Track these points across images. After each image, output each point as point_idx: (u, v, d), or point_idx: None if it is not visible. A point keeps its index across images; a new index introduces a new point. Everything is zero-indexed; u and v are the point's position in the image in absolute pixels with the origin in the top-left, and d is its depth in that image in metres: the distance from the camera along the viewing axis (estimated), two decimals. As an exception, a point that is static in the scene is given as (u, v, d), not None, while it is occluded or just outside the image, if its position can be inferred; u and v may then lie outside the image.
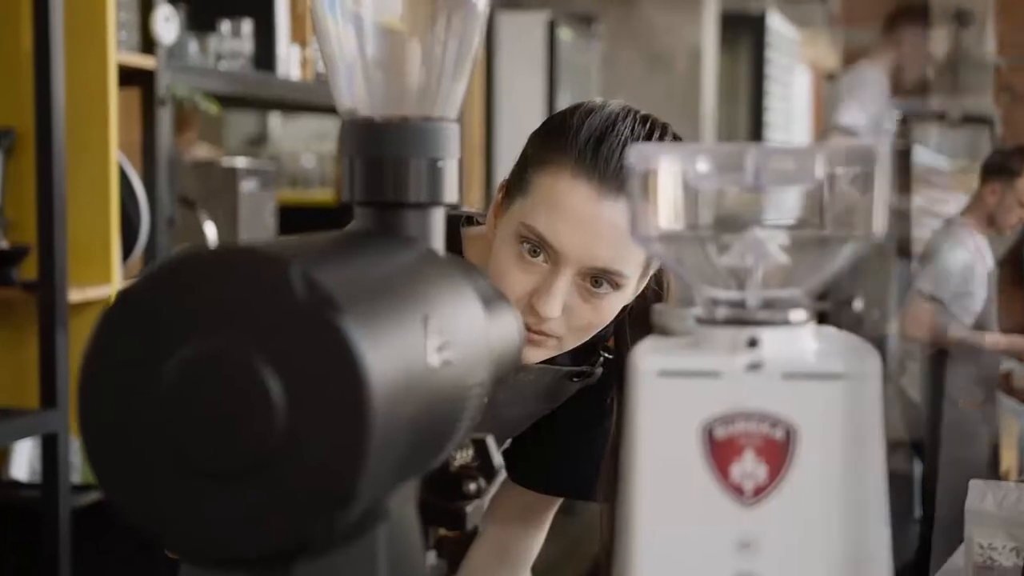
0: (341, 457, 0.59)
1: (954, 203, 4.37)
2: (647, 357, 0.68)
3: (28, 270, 2.36)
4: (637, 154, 0.69)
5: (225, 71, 2.96)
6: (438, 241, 0.80)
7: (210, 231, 2.89)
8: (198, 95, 2.71)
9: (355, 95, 0.81)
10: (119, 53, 2.51)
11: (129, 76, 2.60)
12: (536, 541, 1.56)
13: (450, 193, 0.80)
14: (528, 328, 1.25)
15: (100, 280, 2.48)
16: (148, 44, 2.63)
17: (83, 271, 2.46)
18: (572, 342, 1.30)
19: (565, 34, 4.67)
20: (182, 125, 3.45)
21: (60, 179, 2.34)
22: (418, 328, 0.67)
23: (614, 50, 5.27)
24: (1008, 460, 4.91)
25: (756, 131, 7.54)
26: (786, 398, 0.66)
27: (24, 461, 2.55)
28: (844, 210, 0.69)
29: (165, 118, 2.66)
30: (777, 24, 7.62)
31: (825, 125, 4.41)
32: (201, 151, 3.68)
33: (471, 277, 0.81)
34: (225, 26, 2.98)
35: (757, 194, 0.70)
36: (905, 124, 4.58)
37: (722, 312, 0.70)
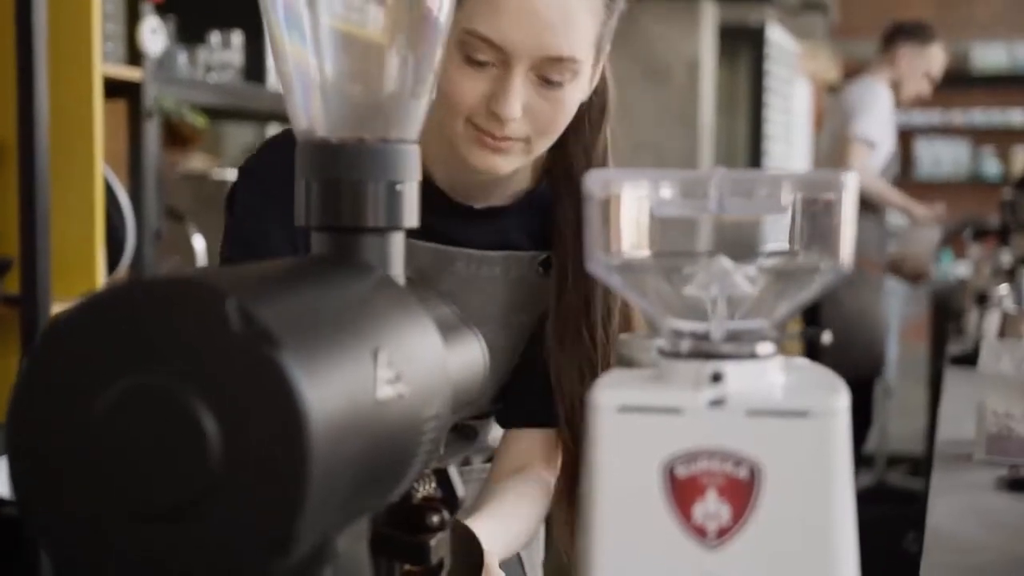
0: (278, 498, 0.56)
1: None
2: (606, 392, 0.66)
3: (11, 283, 2.33)
4: (596, 180, 0.67)
5: (214, 83, 2.93)
6: (397, 267, 0.77)
7: (198, 244, 2.86)
8: (185, 108, 2.68)
9: (311, 115, 0.78)
10: (105, 65, 2.49)
11: (116, 88, 2.57)
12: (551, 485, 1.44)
13: (410, 217, 0.78)
14: (492, 136, 1.23)
15: (84, 294, 2.45)
16: (135, 56, 2.61)
17: (67, 285, 2.43)
18: (541, 145, 1.26)
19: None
20: (182, 139, 3.43)
21: (44, 191, 2.31)
22: (367, 361, 0.64)
23: (612, 62, 5.22)
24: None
25: (755, 143, 7.51)
26: (750, 436, 0.64)
27: (5, 477, 2.52)
28: (811, 239, 0.66)
29: (152, 131, 2.64)
30: (777, 36, 7.59)
31: (830, 135, 4.40)
32: (198, 162, 3.66)
33: (430, 304, 0.78)
34: (215, 37, 2.96)
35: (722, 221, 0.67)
36: None
37: (686, 344, 0.67)
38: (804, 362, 0.71)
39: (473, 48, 1.20)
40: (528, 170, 1.38)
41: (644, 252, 0.68)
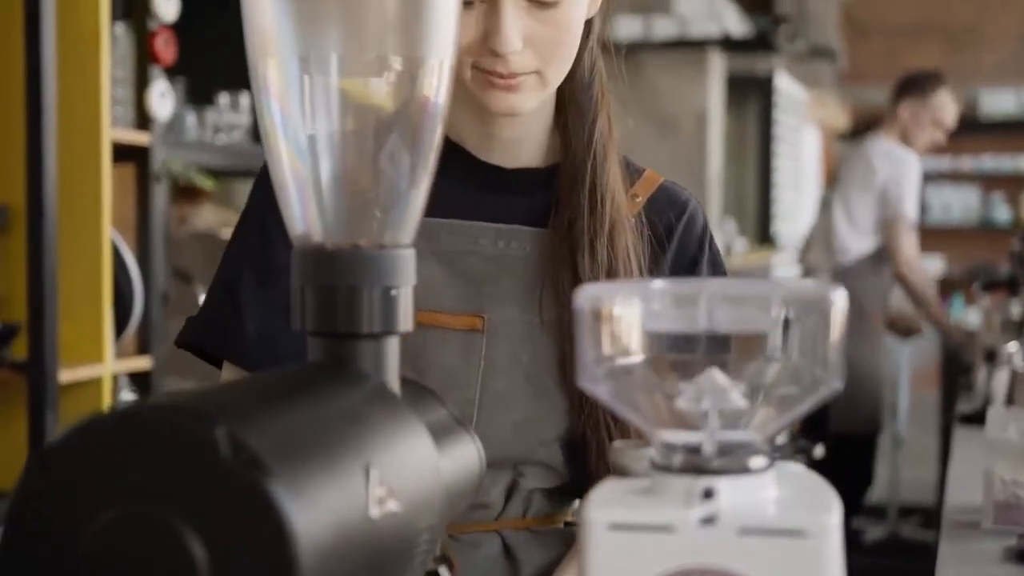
0: (268, 627, 0.56)
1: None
2: (598, 508, 0.65)
3: (18, 349, 2.34)
4: (585, 295, 0.67)
5: (222, 144, 2.95)
6: (392, 371, 0.78)
7: (206, 305, 2.87)
8: (193, 170, 2.70)
9: (307, 221, 0.78)
10: (114, 129, 2.50)
11: (125, 152, 2.59)
12: None
13: (405, 322, 0.78)
14: (500, 75, 1.15)
15: (92, 359, 2.46)
16: (144, 120, 2.63)
17: (75, 350, 2.44)
18: (554, 74, 1.18)
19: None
20: (191, 193, 3.45)
21: (51, 257, 2.32)
22: (359, 479, 0.64)
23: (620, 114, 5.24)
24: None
25: (764, 191, 7.53)
26: (743, 555, 0.63)
27: None
28: (803, 353, 0.66)
29: (160, 194, 2.65)
30: (785, 84, 7.62)
31: (839, 193, 4.41)
32: (209, 214, 3.68)
33: (423, 408, 0.79)
34: (223, 99, 2.98)
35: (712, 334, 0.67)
36: None
37: (677, 459, 0.67)
38: (798, 470, 0.71)
39: None
40: (554, 131, 1.28)
41: (635, 365, 0.68)
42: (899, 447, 5.55)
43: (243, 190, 4.83)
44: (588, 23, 1.24)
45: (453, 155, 1.25)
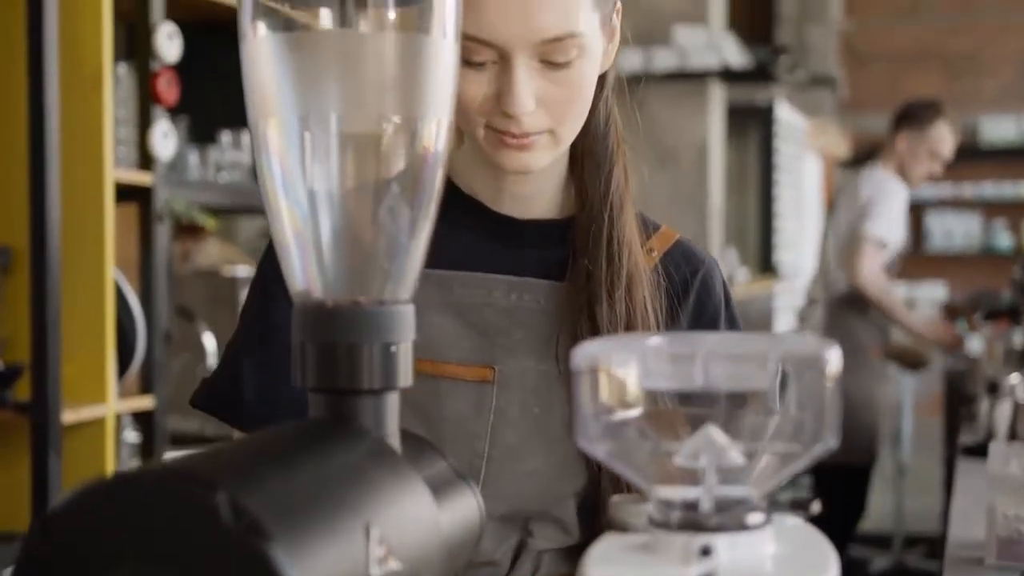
0: None
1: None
2: (597, 565, 0.66)
3: (22, 390, 2.35)
4: (582, 354, 0.67)
5: (225, 183, 2.97)
6: (392, 426, 0.78)
7: (209, 343, 2.88)
8: (195, 209, 2.71)
9: (308, 277, 0.79)
10: (117, 170, 2.52)
11: (127, 191, 2.60)
12: None
13: (405, 377, 0.79)
14: (512, 135, 1.14)
15: (95, 399, 2.46)
16: (146, 160, 2.64)
17: (78, 391, 2.44)
18: (568, 131, 1.17)
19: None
20: (194, 229, 3.46)
21: (55, 298, 2.33)
22: (359, 539, 0.65)
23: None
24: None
25: (766, 220, 7.54)
26: (740, 612, 0.64)
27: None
28: (799, 409, 0.66)
29: (162, 233, 2.66)
30: (785, 114, 7.65)
31: (846, 224, 4.41)
32: (213, 249, 3.69)
33: (423, 462, 0.79)
34: (226, 137, 3.00)
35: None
36: None
37: (675, 516, 0.67)
38: (795, 523, 0.72)
39: (467, 51, 1.11)
40: (568, 183, 1.28)
41: (631, 422, 0.68)
42: (903, 476, 5.54)
43: (246, 227, 4.85)
44: (603, 74, 1.23)
45: (467, 207, 1.26)
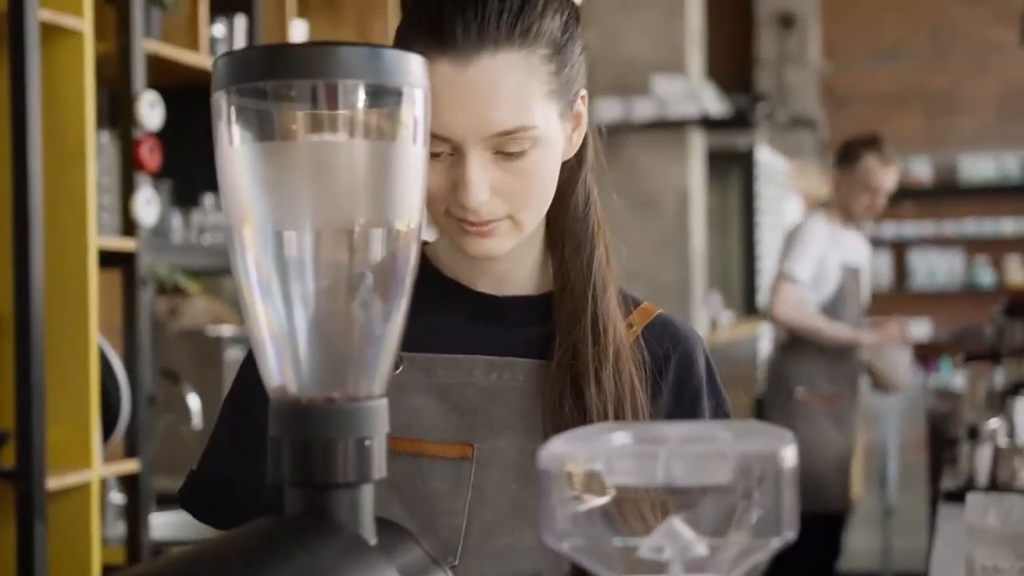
0: None
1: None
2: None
3: (6, 457, 2.36)
4: (548, 454, 0.70)
5: (208, 245, 2.99)
6: (367, 517, 0.80)
7: (193, 403, 2.89)
8: (179, 274, 2.73)
9: (283, 374, 0.82)
10: (100, 237, 2.54)
11: (111, 257, 2.63)
12: None
13: (379, 469, 0.81)
14: (470, 223, 1.16)
15: (80, 465, 2.48)
16: (130, 225, 2.67)
17: (62, 457, 2.46)
18: (528, 218, 1.18)
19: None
20: (180, 288, 3.48)
21: (39, 365, 2.35)
22: (334, 638, 0.67)
23: (601, 195, 5.31)
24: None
25: (748, 262, 7.59)
26: None
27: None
28: (759, 505, 0.69)
29: (146, 298, 2.69)
30: (766, 157, 7.71)
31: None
32: (200, 305, 3.71)
33: (399, 550, 0.81)
34: (208, 200, 3.03)
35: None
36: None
37: (642, 608, 0.70)
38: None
39: None
40: (547, 260, 1.29)
41: (597, 518, 0.71)
42: (889, 516, 5.56)
43: (230, 285, 4.87)
44: (581, 156, 1.25)
45: (449, 289, 1.28)
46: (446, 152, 1.14)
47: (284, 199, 0.80)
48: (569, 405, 1.22)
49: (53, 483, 2.39)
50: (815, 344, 4.29)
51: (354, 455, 0.79)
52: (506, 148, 1.14)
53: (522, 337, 1.26)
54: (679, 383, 1.29)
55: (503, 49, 1.13)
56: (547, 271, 1.29)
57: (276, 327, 0.81)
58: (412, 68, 0.80)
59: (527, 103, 1.14)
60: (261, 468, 1.08)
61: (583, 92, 1.24)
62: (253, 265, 0.81)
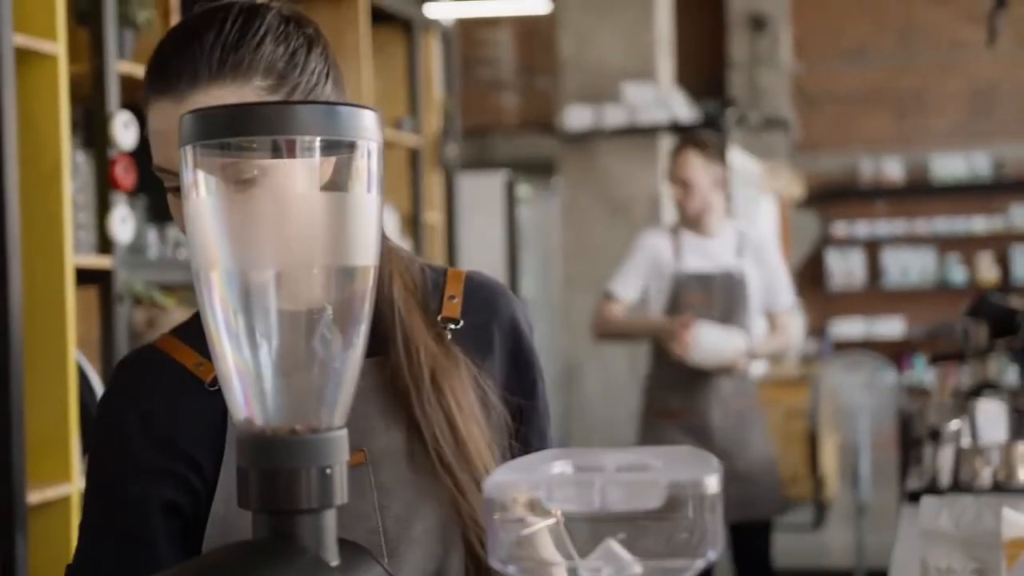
0: None
1: None
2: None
3: (-13, 473, 2.40)
4: (492, 484, 0.76)
5: (184, 259, 3.04)
6: (330, 540, 0.86)
7: (171, 416, 2.94)
8: (155, 290, 2.78)
9: (249, 407, 0.87)
10: (77, 255, 2.59)
11: (87, 275, 2.67)
12: None
13: (341, 495, 0.87)
14: None
15: (59, 479, 2.52)
16: (105, 243, 2.71)
17: (41, 471, 2.50)
18: None
19: (524, 190, 4.80)
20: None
21: (18, 383, 2.40)
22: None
23: (574, 200, 5.41)
24: None
25: (722, 264, 7.65)
26: None
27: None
28: (684, 530, 0.75)
29: (123, 314, 2.73)
30: (739, 160, 7.78)
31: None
32: (176, 316, 3.75)
33: (359, 569, 0.87)
34: (183, 215, 3.08)
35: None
36: None
37: (580, 623, 0.76)
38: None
39: (167, 182, 1.22)
40: None
41: (538, 542, 0.77)
42: (862, 513, 5.64)
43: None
44: None
45: None
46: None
47: (247, 244, 0.86)
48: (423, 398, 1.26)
49: (33, 497, 2.43)
50: (662, 365, 4.19)
51: (317, 483, 0.85)
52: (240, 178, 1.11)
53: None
54: (508, 340, 1.35)
55: (215, 84, 1.19)
56: None
57: (242, 364, 0.87)
58: (365, 123, 0.86)
59: None
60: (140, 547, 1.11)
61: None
62: (219, 306, 0.87)
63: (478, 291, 1.35)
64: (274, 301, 0.86)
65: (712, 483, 0.74)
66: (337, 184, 0.86)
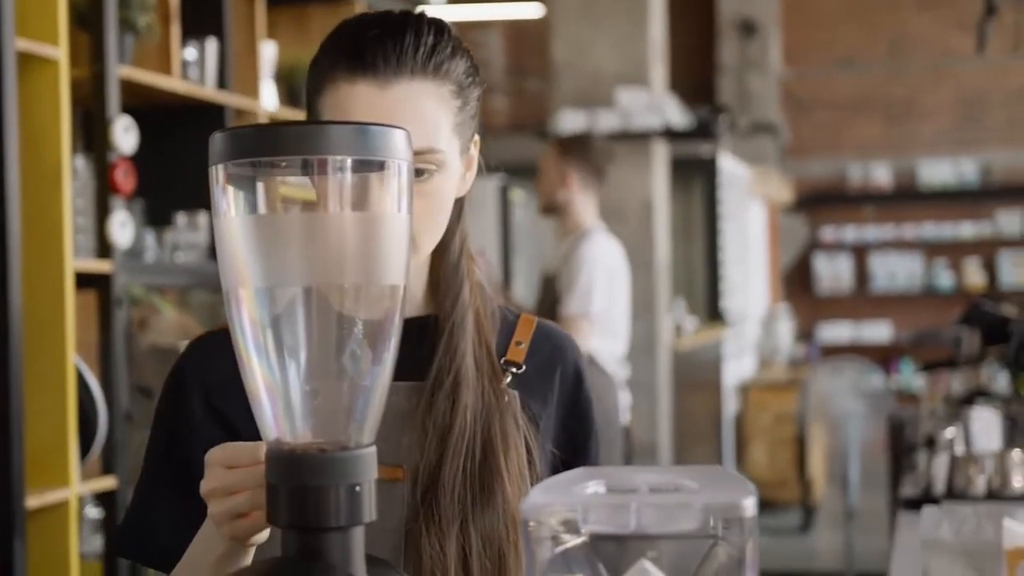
0: None
1: None
2: None
3: (-14, 477, 2.40)
4: (530, 507, 0.76)
5: (182, 263, 3.04)
6: (358, 557, 0.87)
7: (168, 420, 2.93)
8: (154, 294, 2.78)
9: (279, 426, 0.88)
10: (76, 259, 2.58)
11: (86, 278, 2.67)
12: None
13: (369, 512, 0.87)
14: None
15: (58, 483, 2.52)
16: (105, 248, 2.71)
17: (40, 476, 2.50)
18: (426, 240, 1.24)
19: (517, 195, 4.80)
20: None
21: (17, 387, 2.39)
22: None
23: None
24: None
25: (712, 269, 7.68)
26: None
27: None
28: (720, 553, 0.76)
29: (121, 318, 2.73)
30: (728, 164, 7.80)
31: None
32: (169, 316, 3.74)
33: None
34: (181, 219, 3.08)
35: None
36: None
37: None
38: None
39: None
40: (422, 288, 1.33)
41: (574, 562, 0.77)
42: (851, 517, 5.66)
43: (201, 298, 4.91)
44: (459, 201, 1.31)
45: None
46: None
47: (277, 264, 0.86)
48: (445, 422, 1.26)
49: (32, 502, 2.43)
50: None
51: (345, 500, 0.85)
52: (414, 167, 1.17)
53: (411, 358, 1.27)
54: (567, 394, 1.36)
55: (418, 77, 1.22)
56: (428, 295, 1.33)
57: (271, 383, 0.87)
58: (396, 142, 0.86)
59: (437, 128, 1.22)
60: (191, 504, 1.12)
61: (476, 138, 1.31)
62: (248, 325, 0.87)
63: (546, 340, 1.36)
64: (302, 319, 0.86)
65: (749, 505, 0.75)
66: (367, 203, 0.87)
